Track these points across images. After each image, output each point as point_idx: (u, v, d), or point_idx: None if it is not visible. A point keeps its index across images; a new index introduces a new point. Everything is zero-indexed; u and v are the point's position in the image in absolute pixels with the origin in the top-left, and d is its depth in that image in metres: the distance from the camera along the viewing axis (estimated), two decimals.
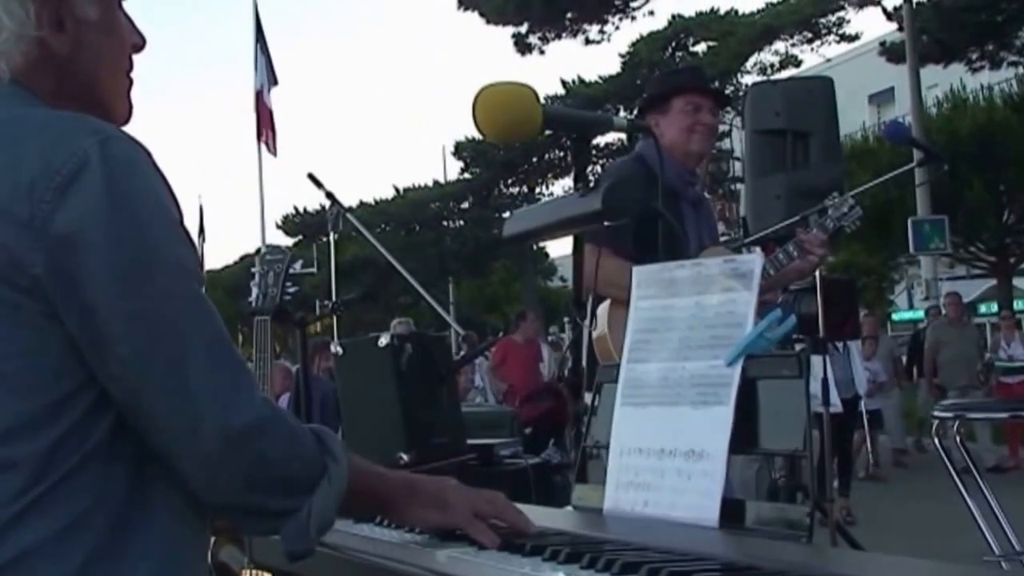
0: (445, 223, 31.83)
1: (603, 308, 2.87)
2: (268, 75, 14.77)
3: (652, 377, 1.65)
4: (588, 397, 1.84)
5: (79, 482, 1.17)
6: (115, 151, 1.18)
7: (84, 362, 1.18)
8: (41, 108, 1.28)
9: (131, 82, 1.42)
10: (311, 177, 3.57)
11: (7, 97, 1.27)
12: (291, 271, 2.93)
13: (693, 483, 1.52)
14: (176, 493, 1.24)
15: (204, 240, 29.21)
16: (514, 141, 1.72)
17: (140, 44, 1.43)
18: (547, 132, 1.72)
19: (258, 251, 3.26)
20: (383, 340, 2.84)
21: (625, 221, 1.75)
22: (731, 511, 1.48)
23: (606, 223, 1.74)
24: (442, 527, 1.44)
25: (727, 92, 19.13)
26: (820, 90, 4.64)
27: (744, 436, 1.52)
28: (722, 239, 4.31)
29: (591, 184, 1.71)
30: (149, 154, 1.24)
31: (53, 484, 1.15)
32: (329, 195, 3.57)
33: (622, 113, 26.13)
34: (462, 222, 31.68)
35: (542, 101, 1.68)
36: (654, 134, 1.93)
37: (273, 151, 14.86)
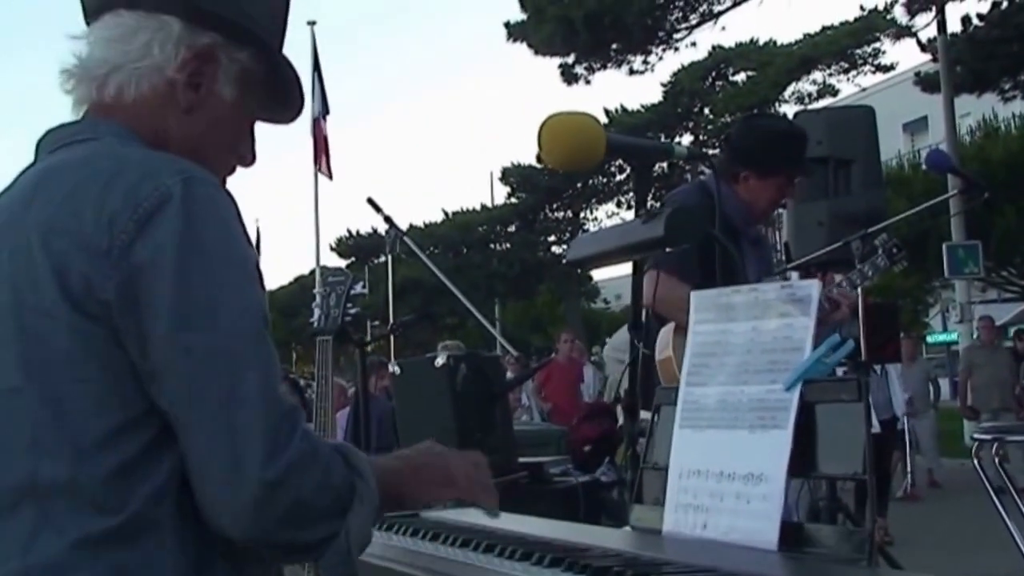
0: (492, 246, 32.08)
1: (666, 331, 2.88)
2: (321, 104, 15.10)
3: (711, 400, 1.67)
4: (643, 417, 1.86)
5: (148, 513, 1.18)
6: (198, 190, 1.22)
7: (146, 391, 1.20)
8: (136, 148, 1.31)
9: (224, 183, 1.45)
10: (370, 202, 3.63)
11: (108, 135, 1.32)
12: (351, 292, 2.98)
13: (752, 506, 1.53)
14: None
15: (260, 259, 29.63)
16: (576, 169, 1.75)
17: (249, 159, 1.49)
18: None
19: (312, 272, 3.33)
20: (439, 360, 2.89)
21: (687, 247, 1.77)
22: (790, 534, 1.49)
23: (668, 249, 1.76)
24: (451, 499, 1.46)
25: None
26: (862, 119, 4.67)
27: (803, 460, 1.53)
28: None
29: (654, 211, 1.74)
30: (231, 199, 1.27)
31: (125, 514, 1.17)
32: (387, 219, 3.63)
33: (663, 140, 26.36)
34: (508, 245, 31.92)
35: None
36: (713, 164, 1.96)
37: (329, 175, 15.18)
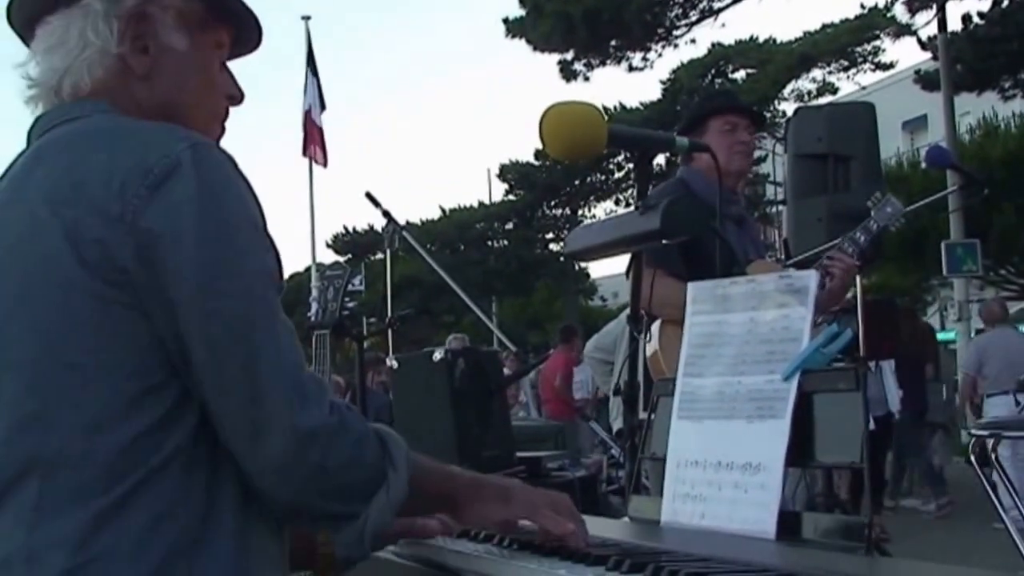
0: (489, 243, 32.11)
1: (656, 326, 2.90)
2: (317, 99, 15.21)
3: (708, 391, 1.67)
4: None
5: (159, 483, 1.18)
6: (206, 156, 1.23)
7: (169, 357, 1.21)
8: (131, 120, 1.33)
9: (223, 130, 1.47)
10: (369, 196, 3.62)
11: (96, 112, 1.33)
12: (349, 287, 2.98)
13: (750, 496, 1.53)
14: (254, 498, 1.25)
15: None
16: (577, 159, 1.76)
17: (237, 96, 1.48)
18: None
19: (308, 270, 3.33)
20: (437, 355, 2.88)
21: (678, 241, 1.78)
22: (788, 524, 1.49)
23: (664, 241, 1.77)
24: (505, 520, 1.44)
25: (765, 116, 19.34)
26: (862, 115, 4.67)
27: (801, 449, 1.53)
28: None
29: (650, 203, 1.74)
30: (235, 162, 1.28)
31: (133, 484, 1.17)
32: (386, 214, 3.63)
33: None
34: (506, 242, 31.95)
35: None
36: (713, 153, 1.97)
37: (323, 163, 15.21)
